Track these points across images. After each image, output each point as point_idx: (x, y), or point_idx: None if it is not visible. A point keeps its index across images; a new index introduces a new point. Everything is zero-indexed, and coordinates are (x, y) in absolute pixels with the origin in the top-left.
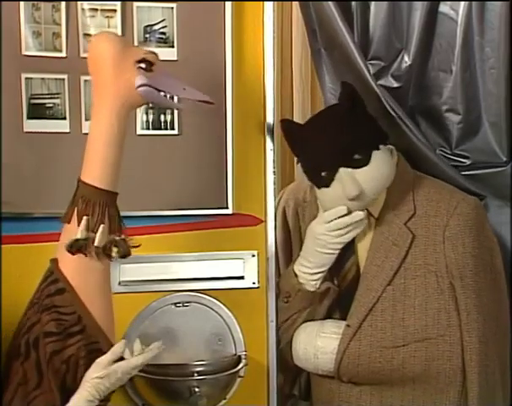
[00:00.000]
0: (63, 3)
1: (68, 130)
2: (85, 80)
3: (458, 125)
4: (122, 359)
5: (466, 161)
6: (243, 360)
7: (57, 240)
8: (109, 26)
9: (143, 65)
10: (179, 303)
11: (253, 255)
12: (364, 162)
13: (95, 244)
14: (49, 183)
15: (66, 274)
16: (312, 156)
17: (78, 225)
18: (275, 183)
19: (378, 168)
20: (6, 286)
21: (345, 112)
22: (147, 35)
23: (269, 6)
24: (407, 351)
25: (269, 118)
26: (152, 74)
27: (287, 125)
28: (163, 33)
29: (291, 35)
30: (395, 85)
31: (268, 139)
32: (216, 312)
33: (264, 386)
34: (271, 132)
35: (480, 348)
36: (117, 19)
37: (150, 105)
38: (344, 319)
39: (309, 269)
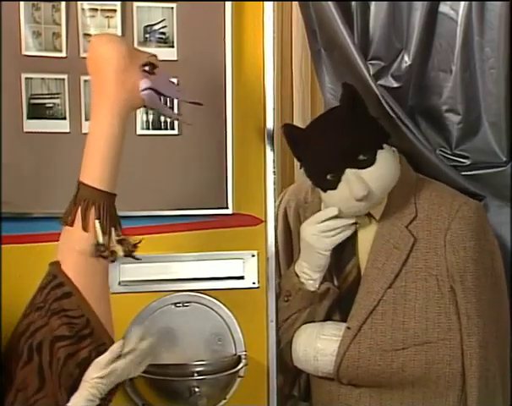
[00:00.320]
0: (63, 3)
1: (68, 130)
2: (85, 80)
3: (458, 125)
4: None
5: (466, 162)
6: (243, 360)
7: (57, 240)
8: (109, 26)
9: (147, 68)
10: (179, 303)
11: (253, 255)
12: (370, 162)
13: (112, 247)
14: (49, 183)
15: (70, 277)
16: (316, 159)
17: (83, 227)
18: (274, 184)
19: (384, 167)
20: (6, 286)
21: (347, 113)
22: (147, 35)
23: (269, 6)
24: (407, 354)
25: (269, 119)
26: (154, 77)
27: (289, 130)
28: (163, 33)
29: (291, 35)
30: (395, 85)
31: (268, 140)
32: (216, 312)
33: (263, 386)
34: (271, 132)
35: (480, 353)
36: (117, 19)
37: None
38: (344, 321)
39: (307, 269)
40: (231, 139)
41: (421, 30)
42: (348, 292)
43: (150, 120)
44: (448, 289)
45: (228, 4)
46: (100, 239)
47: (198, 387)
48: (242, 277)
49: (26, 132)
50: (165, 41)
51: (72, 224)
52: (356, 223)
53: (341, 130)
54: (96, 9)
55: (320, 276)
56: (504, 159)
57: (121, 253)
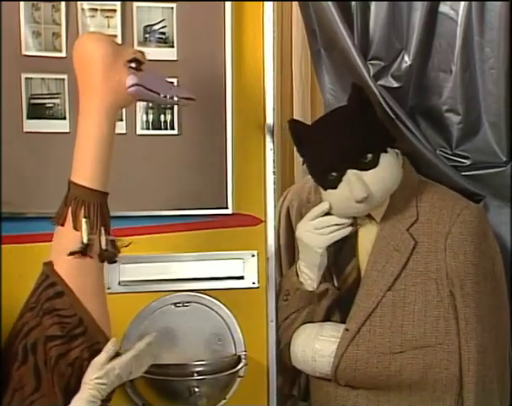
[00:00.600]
0: (63, 3)
1: (67, 130)
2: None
3: (458, 125)
4: (118, 355)
5: (466, 162)
6: (243, 360)
7: None
8: (109, 26)
9: (133, 65)
10: (179, 303)
11: (253, 255)
12: (373, 164)
13: (103, 246)
14: (49, 184)
15: (63, 276)
16: (319, 157)
17: (74, 227)
18: (274, 184)
19: (387, 170)
20: (6, 286)
21: (355, 113)
22: (147, 35)
23: (269, 6)
24: (405, 358)
25: (269, 118)
26: (141, 74)
27: (294, 125)
28: (163, 33)
29: (291, 35)
30: (395, 85)
31: (268, 139)
32: (216, 312)
33: (263, 386)
34: (271, 132)
35: (478, 358)
36: (117, 19)
37: (151, 104)
38: (344, 322)
39: (305, 268)
40: (231, 139)
41: (421, 30)
42: (348, 293)
43: (150, 120)
44: (447, 293)
45: (228, 4)
46: (85, 239)
47: (198, 387)
48: (241, 277)
49: (26, 132)
50: (165, 41)
51: (63, 224)
52: (352, 225)
53: (347, 130)
54: (96, 9)
55: (318, 275)
56: (504, 159)
57: (104, 255)
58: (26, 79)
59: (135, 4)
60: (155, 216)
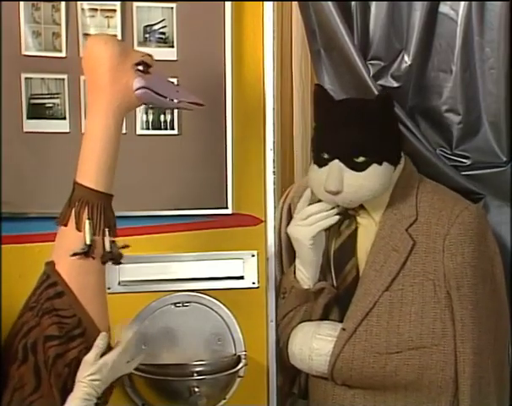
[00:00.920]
0: (63, 3)
1: (67, 130)
2: (85, 80)
3: (458, 125)
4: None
5: (466, 162)
6: (243, 360)
7: None
8: (109, 26)
9: (141, 67)
10: (179, 303)
11: (253, 255)
12: (360, 167)
13: (107, 249)
14: (49, 183)
15: (64, 277)
16: (324, 132)
17: (77, 228)
18: (274, 183)
19: (369, 180)
20: (5, 286)
21: (375, 113)
22: (147, 35)
23: (268, 6)
24: (401, 358)
25: (269, 119)
26: (149, 77)
27: (320, 90)
28: (163, 33)
29: (291, 35)
30: (395, 85)
31: (268, 139)
32: (216, 312)
33: (263, 386)
34: (271, 132)
35: (474, 360)
36: (117, 19)
37: (150, 105)
38: (342, 321)
39: (300, 266)
40: (231, 139)
41: (421, 30)
42: (347, 292)
43: (150, 120)
44: (444, 295)
45: (228, 4)
46: (88, 240)
47: (198, 387)
48: (241, 277)
49: (26, 132)
50: (165, 41)
51: (66, 224)
52: (340, 214)
53: (358, 124)
54: (96, 9)
55: (314, 273)
56: (504, 159)
57: (107, 256)
58: (26, 79)
59: (135, 4)
60: (155, 216)
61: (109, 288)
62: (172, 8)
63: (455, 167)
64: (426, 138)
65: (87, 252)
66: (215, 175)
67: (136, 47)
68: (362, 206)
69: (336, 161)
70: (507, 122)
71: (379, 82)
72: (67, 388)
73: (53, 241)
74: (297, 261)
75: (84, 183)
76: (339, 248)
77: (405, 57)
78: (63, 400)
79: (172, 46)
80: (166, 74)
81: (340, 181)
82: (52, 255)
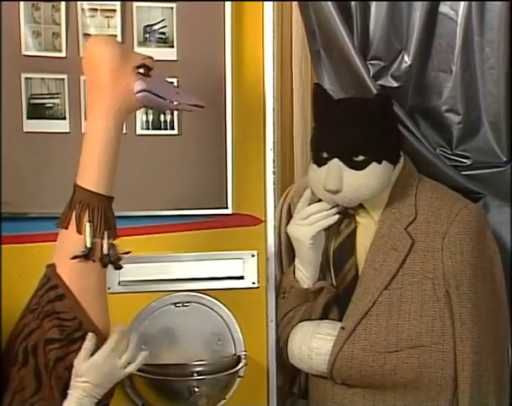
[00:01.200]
0: (63, 3)
1: (67, 130)
2: (85, 80)
3: (458, 125)
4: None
5: (467, 162)
6: (243, 360)
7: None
8: (109, 26)
9: (141, 70)
10: (179, 303)
11: (253, 255)
12: (359, 166)
13: (105, 251)
14: (49, 184)
15: (65, 279)
16: (324, 131)
17: (78, 230)
18: (274, 183)
19: (368, 179)
20: (5, 286)
21: (374, 113)
22: (147, 35)
23: (268, 6)
24: (400, 357)
25: (269, 119)
26: (150, 79)
27: (320, 90)
28: (163, 33)
29: (291, 35)
30: (395, 85)
31: (268, 139)
32: (216, 312)
33: (263, 386)
34: (271, 132)
35: (473, 359)
36: (117, 19)
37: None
38: (342, 320)
39: (300, 265)
40: (231, 139)
41: (421, 30)
42: (346, 291)
43: (150, 120)
44: (443, 293)
45: (228, 4)
46: (89, 243)
47: (197, 387)
48: (241, 277)
49: (26, 132)
50: (164, 41)
51: (67, 227)
52: (340, 213)
53: (357, 123)
54: (96, 9)
55: (312, 272)
56: (504, 159)
57: (106, 259)
58: (26, 79)
59: (135, 4)
60: (154, 216)
61: (109, 288)
62: (172, 8)
63: (455, 166)
64: (426, 138)
65: (87, 255)
66: (215, 175)
67: (136, 47)
68: (361, 205)
69: (336, 160)
70: (507, 122)
71: (379, 82)
72: (67, 391)
73: (53, 241)
74: (297, 261)
75: (85, 185)
76: (338, 247)
77: (405, 57)
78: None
79: (172, 46)
80: (166, 74)
81: (340, 180)
82: (53, 258)
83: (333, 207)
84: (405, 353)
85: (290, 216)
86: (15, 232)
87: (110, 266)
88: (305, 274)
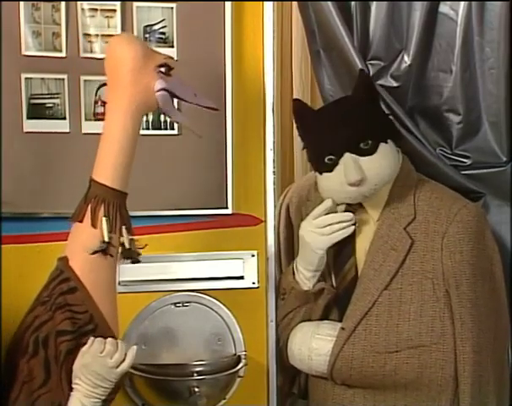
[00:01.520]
0: (63, 3)
1: (67, 130)
2: (85, 80)
3: (458, 125)
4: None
5: (467, 161)
6: (243, 360)
7: (58, 240)
8: (109, 26)
9: (163, 69)
10: (179, 303)
11: (253, 255)
12: (370, 151)
13: (126, 246)
14: (49, 183)
15: (77, 272)
16: (319, 139)
17: (93, 224)
18: (274, 183)
19: (384, 159)
20: (6, 286)
21: (359, 100)
22: (147, 35)
23: (268, 6)
24: (400, 357)
25: (269, 119)
26: (170, 79)
27: (299, 106)
28: (163, 33)
29: (291, 35)
30: (395, 85)
31: (268, 139)
32: (216, 312)
33: (263, 386)
34: (271, 132)
35: (474, 358)
36: (117, 19)
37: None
38: (341, 320)
39: (301, 267)
40: (231, 139)
41: (420, 30)
42: (346, 291)
43: (150, 120)
44: (443, 293)
45: (228, 4)
46: (106, 237)
47: (197, 387)
48: (241, 277)
49: (26, 132)
50: (165, 41)
51: (81, 221)
52: (355, 224)
53: (349, 116)
54: (96, 9)
55: (314, 275)
56: (504, 159)
57: (126, 254)
58: (26, 79)
59: (135, 4)
60: (155, 216)
61: None
62: (172, 8)
63: (455, 166)
64: (426, 138)
65: (105, 249)
66: (215, 175)
67: None
68: (360, 205)
69: (347, 154)
70: (507, 122)
71: (379, 82)
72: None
73: (54, 241)
74: (299, 263)
75: (101, 180)
76: (338, 247)
77: (405, 57)
78: None
79: (172, 46)
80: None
81: (360, 169)
82: (66, 251)
83: (350, 219)
84: (406, 353)
85: (288, 217)
86: (15, 232)
87: None
88: (306, 276)
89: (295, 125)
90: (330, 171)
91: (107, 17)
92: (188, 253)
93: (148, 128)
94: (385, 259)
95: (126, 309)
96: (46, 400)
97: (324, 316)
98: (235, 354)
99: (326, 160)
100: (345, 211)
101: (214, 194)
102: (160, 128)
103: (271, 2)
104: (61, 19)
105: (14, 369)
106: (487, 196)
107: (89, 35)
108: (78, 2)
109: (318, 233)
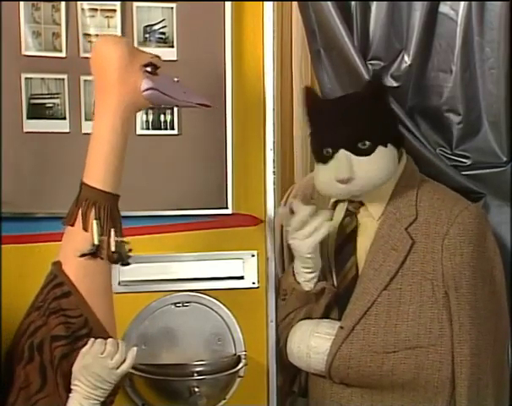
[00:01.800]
0: (63, 3)
1: (67, 130)
2: (85, 80)
3: (458, 125)
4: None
5: (467, 162)
6: (243, 360)
7: (58, 240)
8: (109, 26)
9: (149, 69)
10: (179, 303)
11: (253, 255)
12: (366, 152)
13: (112, 249)
14: (49, 183)
15: (71, 277)
16: (322, 130)
17: (84, 228)
18: (274, 183)
19: (378, 163)
20: (6, 286)
21: (367, 99)
22: (147, 35)
23: (268, 6)
24: (397, 358)
25: (269, 119)
26: (157, 78)
27: (310, 92)
28: (163, 33)
29: (291, 35)
30: (395, 85)
31: (268, 139)
32: (216, 312)
33: (263, 386)
34: (271, 132)
35: (472, 361)
36: (117, 19)
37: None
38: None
39: (300, 269)
40: (231, 139)
41: (421, 30)
42: (346, 290)
43: (150, 120)
44: (442, 295)
45: (228, 4)
46: (96, 240)
47: (198, 387)
48: (241, 277)
49: (26, 132)
50: (164, 41)
51: (73, 224)
52: (331, 219)
53: (353, 113)
54: (96, 9)
55: (314, 276)
56: (505, 159)
57: (115, 257)
58: (26, 79)
59: (135, 4)
60: (155, 216)
61: None
62: (172, 8)
63: (455, 166)
64: (426, 138)
65: (95, 252)
66: (215, 175)
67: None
68: (362, 204)
69: (342, 150)
70: (507, 122)
71: None
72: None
73: (54, 241)
74: (298, 264)
75: (92, 183)
76: (339, 246)
77: (405, 57)
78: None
79: (172, 46)
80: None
81: (350, 168)
82: (59, 255)
83: (325, 216)
84: (403, 353)
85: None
86: (15, 232)
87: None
88: (306, 277)
89: (304, 111)
90: (325, 163)
91: (107, 17)
92: (188, 253)
93: (148, 128)
94: (385, 259)
95: (126, 309)
96: (44, 405)
97: (325, 315)
98: (235, 354)
99: (324, 151)
100: (348, 209)
101: (214, 194)
102: (160, 128)
103: (271, 2)
104: (61, 19)
105: (11, 375)
106: (487, 196)
107: (89, 35)
108: (78, 2)
109: (301, 237)
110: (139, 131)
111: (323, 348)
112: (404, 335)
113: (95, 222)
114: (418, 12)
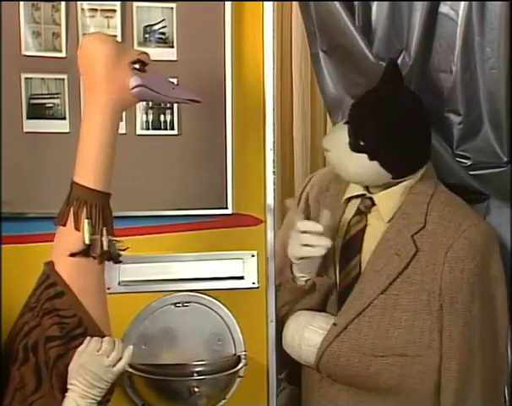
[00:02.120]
0: (63, 3)
1: (67, 130)
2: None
3: (458, 126)
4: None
5: (467, 162)
6: (243, 360)
7: None
8: (109, 26)
9: (137, 66)
10: (179, 303)
11: (253, 255)
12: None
13: (104, 248)
14: (49, 184)
15: (63, 277)
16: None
17: (76, 227)
18: (274, 184)
19: (352, 162)
20: (5, 286)
21: (398, 116)
22: (147, 36)
23: (269, 6)
24: (384, 363)
25: (269, 119)
26: (145, 75)
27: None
28: (163, 33)
29: (291, 35)
30: None
31: (268, 139)
32: (216, 312)
33: (263, 386)
34: (271, 132)
35: (458, 378)
36: (117, 19)
37: (151, 105)
38: None
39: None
40: (231, 139)
41: (421, 30)
42: (347, 287)
43: (150, 120)
44: (437, 308)
45: (228, 4)
46: (87, 240)
47: (197, 387)
48: (241, 277)
49: (26, 132)
50: (164, 41)
51: (65, 224)
52: (330, 248)
53: (379, 112)
54: (96, 9)
55: (310, 274)
56: (505, 159)
57: (107, 255)
58: (26, 79)
59: (135, 4)
60: (155, 216)
61: (109, 288)
62: (172, 8)
63: None
64: None
65: (86, 252)
66: (215, 175)
67: (136, 47)
68: (374, 205)
69: (346, 126)
70: (507, 122)
71: None
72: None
73: (53, 241)
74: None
75: (82, 182)
76: (346, 243)
77: (406, 58)
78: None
79: (172, 46)
80: (166, 74)
81: (337, 143)
82: (52, 255)
83: (325, 242)
84: (390, 359)
85: (307, 204)
86: (15, 232)
87: (110, 265)
88: (299, 275)
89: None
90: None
91: (107, 17)
92: (188, 253)
93: (148, 129)
94: (387, 263)
95: (126, 309)
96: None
97: (323, 308)
98: (235, 354)
99: (342, 118)
100: (358, 208)
101: (214, 194)
102: (160, 129)
103: (271, 2)
104: (61, 19)
105: (6, 376)
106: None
107: None
108: (78, 3)
109: (294, 242)
110: (139, 131)
111: (314, 341)
112: (394, 341)
113: (86, 221)
114: (418, 12)
